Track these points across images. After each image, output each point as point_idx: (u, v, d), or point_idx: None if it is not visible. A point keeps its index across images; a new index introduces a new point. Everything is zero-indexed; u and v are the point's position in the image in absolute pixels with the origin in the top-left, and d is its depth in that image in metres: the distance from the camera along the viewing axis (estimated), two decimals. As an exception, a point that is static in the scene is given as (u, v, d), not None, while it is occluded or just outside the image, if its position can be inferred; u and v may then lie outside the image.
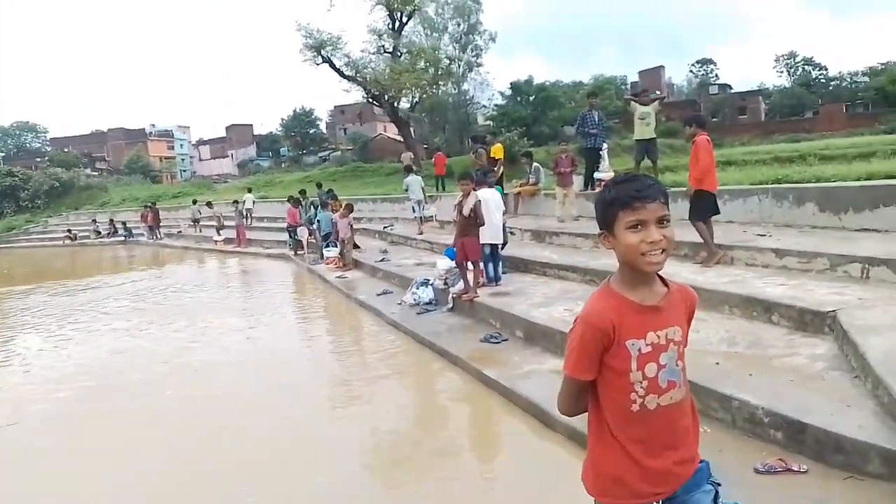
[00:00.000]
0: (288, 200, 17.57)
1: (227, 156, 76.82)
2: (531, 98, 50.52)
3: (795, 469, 3.27)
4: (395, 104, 33.50)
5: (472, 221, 7.40)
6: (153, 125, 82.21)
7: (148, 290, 13.76)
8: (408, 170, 15.98)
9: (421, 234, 13.80)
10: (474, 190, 7.59)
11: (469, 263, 7.63)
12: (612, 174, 12.32)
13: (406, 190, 14.74)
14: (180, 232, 26.21)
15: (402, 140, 36.38)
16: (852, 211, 7.05)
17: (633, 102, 11.19)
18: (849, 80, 68.56)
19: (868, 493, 2.98)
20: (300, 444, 4.79)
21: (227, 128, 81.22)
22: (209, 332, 9.05)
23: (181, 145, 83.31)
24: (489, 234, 7.78)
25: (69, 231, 30.97)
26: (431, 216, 14.87)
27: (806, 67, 72.74)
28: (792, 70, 73.98)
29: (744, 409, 3.74)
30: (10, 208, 39.70)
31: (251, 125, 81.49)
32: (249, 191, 26.58)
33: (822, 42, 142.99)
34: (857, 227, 6.93)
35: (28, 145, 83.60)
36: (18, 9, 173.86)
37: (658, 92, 15.29)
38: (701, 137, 6.86)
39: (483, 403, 5.28)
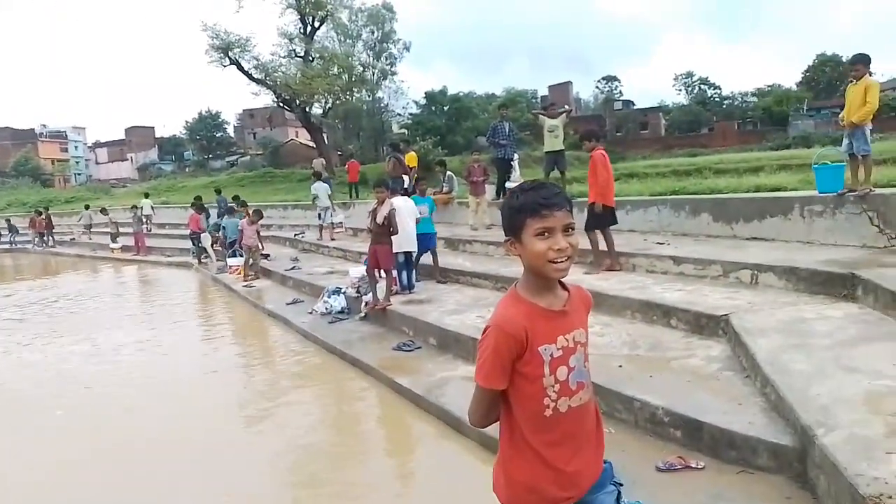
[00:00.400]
0: (191, 206, 16.75)
1: (127, 159, 72.80)
2: (445, 108, 51.15)
3: (694, 465, 3.41)
4: (308, 109, 32.90)
5: (385, 230, 7.35)
6: (44, 125, 76.68)
7: (36, 301, 12.69)
8: (316, 176, 16.02)
9: (329, 239, 13.97)
10: (389, 198, 7.54)
11: (381, 272, 7.56)
12: (522, 184, 12.65)
13: (314, 197, 14.77)
14: (73, 239, 24.44)
15: (314, 146, 35.73)
16: (743, 221, 7.56)
17: (541, 116, 11.51)
18: (740, 99, 74.16)
19: (758, 486, 3.15)
20: (205, 465, 4.51)
21: (127, 130, 77.07)
22: (103, 346, 8.42)
23: (76, 147, 78.05)
24: (403, 242, 7.76)
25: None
26: (340, 223, 14.91)
27: (702, 86, 77.89)
28: (689, 88, 79.05)
29: (645, 410, 3.88)
30: None
31: (153, 128, 77.84)
32: (147, 196, 25.16)
33: (717, 63, 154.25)
34: (747, 236, 7.44)
35: None
36: None
37: (566, 106, 15.82)
38: (598, 152, 7.17)
39: (396, 412, 5.20)
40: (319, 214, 14.74)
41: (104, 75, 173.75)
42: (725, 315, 4.92)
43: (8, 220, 28.09)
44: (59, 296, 13.34)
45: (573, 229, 1.63)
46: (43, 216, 24.96)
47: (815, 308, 4.91)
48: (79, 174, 72.80)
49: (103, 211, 23.37)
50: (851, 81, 6.38)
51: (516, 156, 12.50)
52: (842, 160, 6.79)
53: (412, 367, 5.82)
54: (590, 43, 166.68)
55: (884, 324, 4.38)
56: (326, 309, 8.46)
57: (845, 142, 6.45)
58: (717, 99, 75.70)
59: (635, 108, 73.26)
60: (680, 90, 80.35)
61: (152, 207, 22.80)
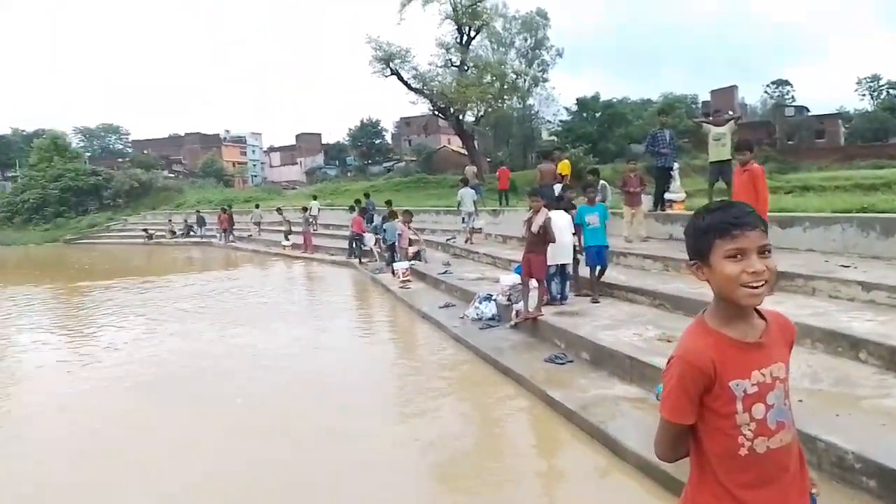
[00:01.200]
0: (351, 209, 17.88)
1: (296, 163, 79.11)
2: (597, 115, 49.96)
3: (891, 521, 3.05)
4: (461, 117, 33.78)
5: (540, 239, 7.32)
6: (227, 131, 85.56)
7: (219, 290, 14.23)
8: (463, 182, 16.53)
9: (470, 243, 14.57)
10: (545, 207, 7.51)
11: (533, 281, 7.55)
12: (683, 195, 12.01)
13: (459, 202, 15.54)
14: (251, 236, 27.07)
15: (465, 153, 36.57)
16: (950, 245, 6.61)
17: (705, 124, 10.87)
18: (941, 105, 64.66)
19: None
20: (354, 460, 4.79)
21: (297, 136, 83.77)
22: (273, 338, 9.26)
23: (253, 151, 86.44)
24: (557, 253, 7.68)
25: (146, 230, 32.49)
26: (480, 228, 15.30)
27: (891, 91, 69.06)
28: (875, 93, 70.41)
29: (832, 453, 3.53)
30: (93, 206, 42.02)
31: (320, 134, 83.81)
32: (315, 198, 27.29)
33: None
34: (955, 263, 6.49)
35: (111, 146, 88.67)
36: (105, 17, 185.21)
37: (731, 112, 14.74)
38: (758, 166, 6.57)
39: (547, 426, 5.17)
40: (463, 219, 15.45)
41: (280, 85, 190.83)
42: (932, 353, 4.33)
43: (198, 212, 31.73)
44: (239, 286, 14.87)
45: (770, 251, 1.52)
46: (227, 213, 27.90)
47: None
48: (255, 176, 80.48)
49: (278, 211, 25.66)
50: None
51: (676, 165, 11.91)
52: None
53: (564, 381, 5.76)
54: (757, 45, 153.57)
55: None
56: (477, 315, 8.62)
57: None
58: (909, 103, 66.63)
59: (810, 114, 66.48)
60: (864, 95, 71.90)
61: (319, 209, 24.61)
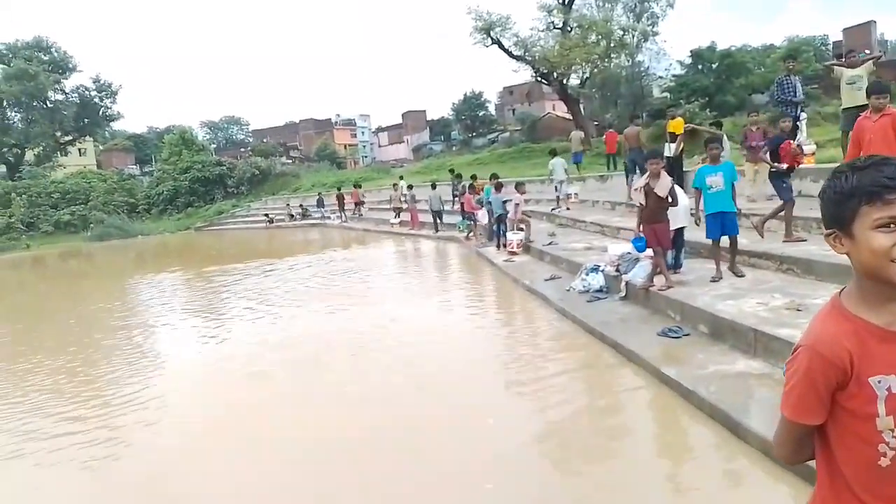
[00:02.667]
0: (467, 187, 17.76)
1: (403, 141, 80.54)
2: (714, 66, 46.36)
3: None
4: (565, 81, 32.67)
5: (663, 205, 6.74)
6: (338, 115, 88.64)
7: (337, 272, 14.76)
8: (552, 153, 17.31)
9: (566, 209, 15.43)
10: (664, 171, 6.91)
11: (653, 252, 7.01)
12: (813, 146, 10.91)
13: (550, 172, 16.30)
14: (361, 215, 27.92)
15: (571, 118, 35.37)
16: None
17: (837, 67, 9.67)
18: None
19: None
20: (462, 434, 4.77)
21: (403, 114, 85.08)
22: (391, 313, 9.44)
23: (362, 133, 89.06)
24: (674, 217, 7.09)
25: (267, 215, 34.49)
26: (570, 195, 16.07)
27: None
28: None
29: None
30: (219, 194, 45.10)
31: (424, 111, 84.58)
32: (401, 178, 27.60)
33: None
34: None
35: (234, 137, 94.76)
36: (224, 18, 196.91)
37: (867, 52, 12.86)
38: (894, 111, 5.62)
39: (662, 405, 4.85)
40: (556, 187, 16.28)
41: (385, 65, 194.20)
42: None
43: (319, 194, 33.08)
44: (355, 267, 15.37)
45: None
46: (346, 193, 28.94)
47: None
48: (365, 156, 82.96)
49: (402, 186, 25.33)
50: None
51: (804, 115, 10.76)
52: None
53: (680, 357, 5.38)
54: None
55: None
56: (584, 287, 8.30)
57: None
58: None
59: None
60: None
61: (409, 186, 24.95)
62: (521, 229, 12.99)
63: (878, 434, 1.29)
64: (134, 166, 66.40)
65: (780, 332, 4.84)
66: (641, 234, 7.09)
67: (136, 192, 45.86)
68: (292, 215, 33.21)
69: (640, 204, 6.90)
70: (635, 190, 7.00)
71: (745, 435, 3.94)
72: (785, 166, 7.27)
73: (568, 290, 8.52)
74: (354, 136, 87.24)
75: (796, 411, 1.34)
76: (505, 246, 13.23)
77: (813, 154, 10.66)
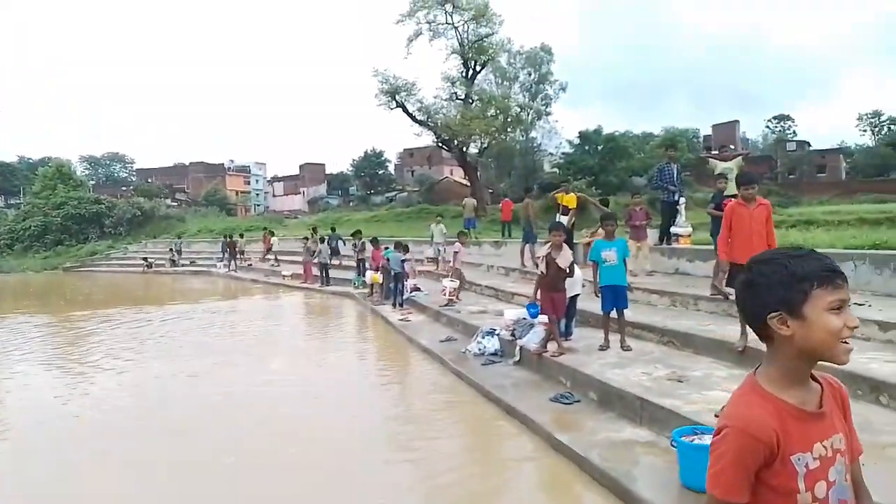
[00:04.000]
0: (371, 242, 17.21)
1: (300, 193, 79.49)
2: (599, 147, 50.16)
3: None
4: (464, 149, 33.90)
5: (562, 275, 6.98)
6: (232, 160, 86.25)
7: (219, 324, 14.02)
8: (437, 218, 19.36)
9: (439, 270, 16.31)
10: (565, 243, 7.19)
11: (547, 319, 7.22)
12: (689, 229, 11.86)
13: (431, 237, 18.13)
14: (251, 265, 26.88)
15: (468, 184, 36.60)
16: (970, 284, 6.41)
17: (712, 160, 10.78)
18: (939, 141, 64.99)
19: None
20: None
21: (301, 166, 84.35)
22: (267, 371, 9.05)
23: (257, 181, 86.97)
24: (573, 287, 7.44)
25: (145, 259, 32.32)
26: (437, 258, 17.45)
27: (892, 127, 69.57)
28: (877, 129, 70.93)
29: (860, 507, 3.28)
30: (94, 233, 41.87)
31: (323, 164, 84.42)
32: (272, 233, 27.94)
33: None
34: (975, 303, 6.29)
35: (116, 175, 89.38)
36: (112, 48, 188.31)
37: (733, 147, 14.51)
38: (768, 202, 6.18)
39: (556, 471, 4.90)
40: (437, 250, 17.47)
41: (284, 115, 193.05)
42: (959, 399, 4.11)
43: (226, 237, 29.34)
44: (237, 320, 14.63)
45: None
46: (231, 241, 27.59)
47: None
48: (258, 205, 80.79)
49: (314, 235, 23.76)
50: None
51: (683, 200, 11.79)
52: None
53: (572, 423, 5.51)
54: (757, 80, 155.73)
55: None
56: (479, 350, 8.40)
57: None
58: (909, 140, 67.01)
59: (811, 149, 66.85)
60: (865, 131, 72.46)
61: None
62: (457, 279, 13.07)
63: None
64: (-3, 197, 60.55)
65: (663, 402, 5.10)
66: (536, 301, 7.31)
67: (-2, 225, 41.73)
68: (174, 261, 31.33)
69: (542, 272, 7.07)
70: (537, 258, 7.21)
71: (633, 502, 4.06)
72: None
73: (463, 352, 8.58)
74: (248, 183, 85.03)
75: (728, 491, 1.37)
76: (401, 305, 13.20)
77: (689, 236, 11.63)
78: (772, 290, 1.38)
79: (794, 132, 75.10)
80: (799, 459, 1.35)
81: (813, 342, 1.35)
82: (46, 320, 15.45)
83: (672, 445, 4.25)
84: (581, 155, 49.75)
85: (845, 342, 1.34)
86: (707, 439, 4.06)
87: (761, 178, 8.39)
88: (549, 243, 7.08)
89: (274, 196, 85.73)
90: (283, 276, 22.32)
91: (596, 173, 44.21)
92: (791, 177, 60.12)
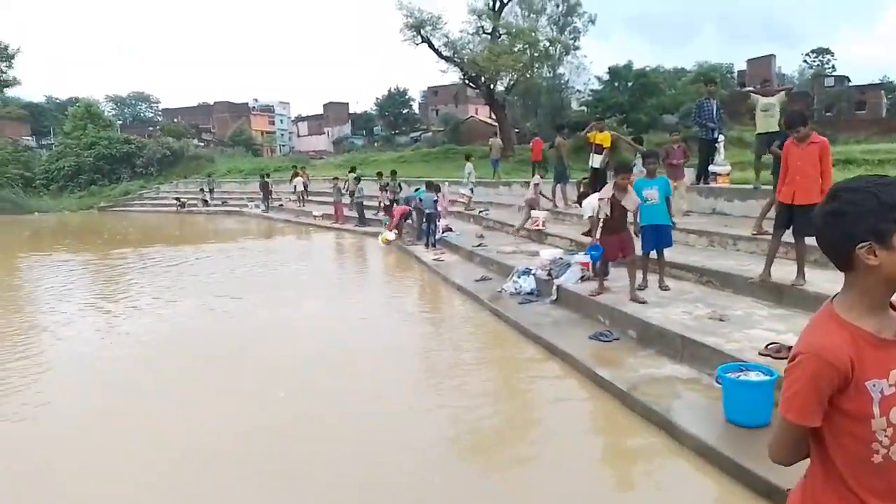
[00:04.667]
0: (428, 186, 16.45)
1: (324, 133, 79.02)
2: (629, 84, 48.69)
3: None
4: (491, 87, 33.17)
5: (625, 217, 6.93)
6: (256, 100, 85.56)
7: (256, 264, 14.32)
8: (467, 158, 19.55)
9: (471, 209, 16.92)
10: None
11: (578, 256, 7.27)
12: (728, 168, 11.66)
13: (468, 175, 18.38)
14: (282, 205, 27.16)
15: (494, 123, 36.05)
16: None
17: (753, 94, 10.45)
18: None
19: None
20: (384, 437, 4.72)
21: (325, 105, 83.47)
22: (307, 312, 9.29)
23: (281, 121, 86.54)
24: None
25: (178, 199, 32.82)
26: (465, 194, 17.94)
27: (940, 58, 66.10)
28: (923, 61, 67.49)
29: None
30: (126, 174, 42.45)
31: (347, 104, 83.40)
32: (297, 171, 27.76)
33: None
34: None
35: (142, 115, 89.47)
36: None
37: (766, 82, 13.79)
38: (825, 139, 5.95)
39: (599, 406, 5.05)
40: (471, 189, 17.95)
41: (308, 53, 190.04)
42: None
43: (262, 177, 29.25)
44: (277, 260, 14.92)
45: None
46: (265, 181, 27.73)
47: None
48: (283, 146, 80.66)
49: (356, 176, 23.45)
50: None
51: (722, 137, 11.53)
52: None
53: (612, 360, 5.63)
54: (796, 10, 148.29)
55: None
56: (516, 289, 8.50)
57: None
58: (961, 72, 63.78)
59: (851, 84, 64.04)
60: (910, 64, 68.91)
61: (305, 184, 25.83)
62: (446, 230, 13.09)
63: (872, 434, 1.41)
64: (29, 137, 61.16)
65: (706, 340, 5.18)
66: (597, 243, 7.01)
67: (34, 166, 42.42)
68: (206, 200, 31.77)
69: (606, 214, 6.83)
70: (600, 200, 6.90)
71: (679, 435, 4.18)
72: None
73: (499, 292, 8.70)
74: (272, 123, 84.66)
75: (801, 414, 1.43)
76: (434, 245, 13.33)
77: (728, 175, 11.43)
78: (862, 218, 1.39)
79: (832, 67, 71.90)
80: (874, 385, 1.39)
81: (892, 272, 1.37)
82: (88, 257, 15.96)
83: (717, 382, 4.34)
84: (610, 92, 48.40)
85: None
86: (752, 376, 4.15)
87: (804, 116, 8.10)
88: (615, 185, 6.84)
89: (299, 136, 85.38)
90: (315, 216, 22.54)
91: (626, 111, 43.08)
92: (828, 114, 57.92)
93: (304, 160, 47.18)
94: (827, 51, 74.01)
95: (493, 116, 36.18)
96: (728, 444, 3.86)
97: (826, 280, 5.59)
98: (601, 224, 6.90)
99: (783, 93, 10.29)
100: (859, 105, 59.42)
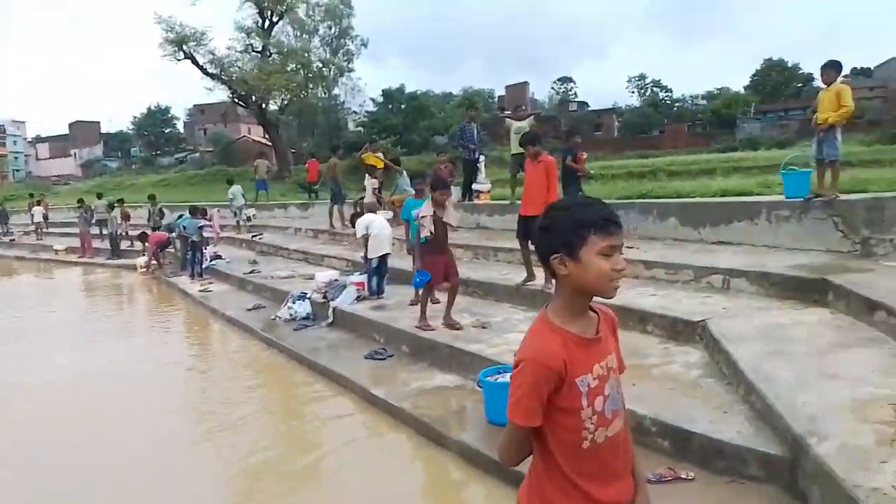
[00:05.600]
0: (192, 211, 15.02)
1: (70, 155, 69.83)
2: (402, 106, 50.86)
3: (683, 476, 3.38)
4: (263, 106, 32.17)
5: (446, 236, 6.34)
6: (-18, 118, 72.70)
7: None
8: (229, 182, 18.27)
9: (246, 233, 16.26)
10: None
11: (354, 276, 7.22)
12: (489, 185, 12.59)
13: (231, 199, 17.35)
14: (13, 240, 23.18)
15: (268, 143, 34.98)
16: (710, 225, 7.65)
17: (507, 119, 11.48)
18: (690, 102, 76.28)
19: (750, 496, 3.13)
20: (156, 479, 4.27)
21: (71, 125, 74.02)
22: (52, 363, 7.97)
23: (14, 142, 74.47)
24: (378, 245, 7.56)
25: None
26: (249, 217, 17.42)
27: (654, 89, 79.92)
28: (642, 91, 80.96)
29: (632, 419, 3.81)
30: None
31: (98, 123, 75.02)
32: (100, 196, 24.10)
33: (669, 66, 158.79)
34: (714, 240, 7.53)
35: None
36: None
37: (523, 107, 15.42)
38: (551, 158, 6.62)
39: (370, 423, 5.03)
40: (235, 213, 17.36)
41: (49, 67, 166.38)
42: (702, 321, 4.93)
43: None
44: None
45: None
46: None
47: (789, 314, 4.98)
48: (17, 170, 69.54)
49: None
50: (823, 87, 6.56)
51: (483, 158, 12.44)
52: (808, 166, 6.93)
53: (386, 377, 5.66)
54: (545, 43, 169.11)
55: (857, 329, 4.45)
56: (291, 315, 8.21)
57: (815, 146, 6.60)
58: (668, 101, 77.73)
59: (590, 109, 74.39)
60: (633, 92, 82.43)
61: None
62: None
63: (581, 423, 1.57)
64: None
65: (470, 348, 5.45)
66: (422, 268, 6.34)
67: None
68: None
69: (430, 233, 6.18)
70: (422, 218, 6.28)
71: (445, 442, 4.31)
72: (584, 171, 8.97)
73: (273, 319, 8.33)
74: (3, 144, 72.54)
75: (526, 417, 1.54)
76: (201, 275, 12.35)
77: (489, 192, 12.34)
78: (555, 234, 1.56)
79: (575, 94, 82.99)
80: (582, 381, 1.55)
81: (585, 281, 1.54)
82: None
83: (478, 386, 4.57)
84: (385, 114, 50.07)
85: (616, 281, 1.53)
86: (508, 377, 4.43)
87: (541, 136, 9.20)
88: (433, 201, 6.24)
89: (38, 160, 74.34)
90: (56, 250, 19.59)
91: (400, 132, 44.92)
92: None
93: (44, 186, 41.20)
94: (570, 79, 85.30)
95: (267, 136, 35.05)
96: (491, 444, 4.05)
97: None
98: (424, 245, 6.27)
99: (532, 117, 11.44)
100: (597, 127, 68.96)
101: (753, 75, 74.00)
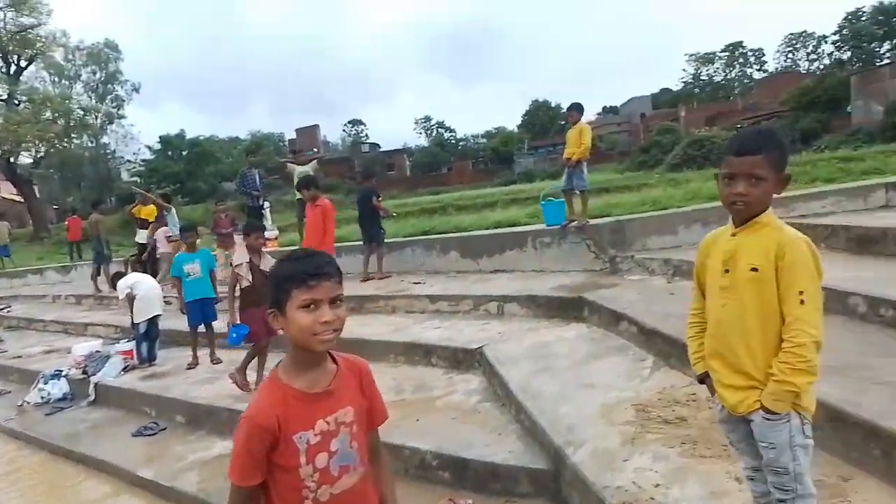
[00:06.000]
0: None
1: None
2: (184, 153, 47.81)
3: (462, 504, 3.42)
4: (12, 160, 28.10)
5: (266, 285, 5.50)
6: None
7: None
8: None
9: None
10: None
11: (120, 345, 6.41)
12: (276, 232, 12.20)
13: None
14: None
15: (21, 201, 30.57)
16: (486, 255, 8.15)
17: (290, 164, 11.32)
18: (472, 141, 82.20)
19: (522, 513, 3.26)
20: None
21: None
22: None
23: None
24: (147, 306, 6.88)
25: None
26: None
27: (439, 129, 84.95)
28: (429, 131, 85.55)
29: (414, 456, 3.82)
30: None
31: None
32: None
33: (452, 107, 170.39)
34: (491, 269, 8.03)
35: None
36: None
37: (315, 150, 15.32)
38: (328, 202, 6.73)
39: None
40: None
41: None
42: (479, 347, 5.15)
43: None
44: None
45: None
46: None
47: (553, 331, 5.41)
48: None
49: None
50: (568, 125, 7.36)
51: (268, 204, 12.05)
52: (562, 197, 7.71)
53: (157, 454, 5.05)
54: (333, 86, 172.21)
55: (607, 339, 4.97)
56: (43, 398, 7.04)
57: (565, 178, 7.36)
58: (453, 141, 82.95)
59: (381, 150, 76.65)
60: (420, 133, 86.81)
61: None
62: None
63: (301, 481, 1.52)
64: None
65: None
66: (239, 322, 5.62)
67: None
68: None
69: (248, 282, 5.53)
70: (237, 266, 5.59)
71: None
72: (387, 211, 9.05)
73: (20, 406, 7.07)
74: None
75: (241, 476, 1.49)
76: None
77: (276, 239, 11.94)
78: (271, 289, 1.55)
79: (366, 135, 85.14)
80: (300, 437, 1.51)
81: (294, 336, 1.51)
82: None
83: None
84: (165, 161, 46.62)
85: (321, 335, 1.49)
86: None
87: (317, 180, 9.16)
88: (248, 247, 5.61)
89: None
90: None
91: (182, 180, 42.08)
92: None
93: None
94: (360, 122, 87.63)
95: (19, 193, 30.61)
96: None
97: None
98: (239, 295, 5.60)
99: (315, 161, 11.39)
100: (389, 167, 71.08)
101: (524, 114, 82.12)
